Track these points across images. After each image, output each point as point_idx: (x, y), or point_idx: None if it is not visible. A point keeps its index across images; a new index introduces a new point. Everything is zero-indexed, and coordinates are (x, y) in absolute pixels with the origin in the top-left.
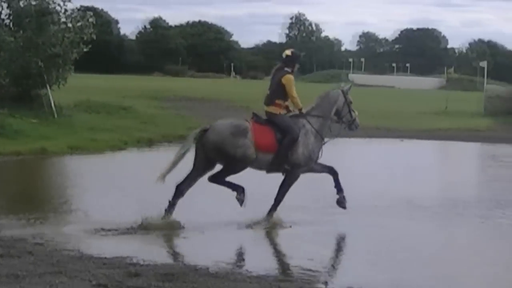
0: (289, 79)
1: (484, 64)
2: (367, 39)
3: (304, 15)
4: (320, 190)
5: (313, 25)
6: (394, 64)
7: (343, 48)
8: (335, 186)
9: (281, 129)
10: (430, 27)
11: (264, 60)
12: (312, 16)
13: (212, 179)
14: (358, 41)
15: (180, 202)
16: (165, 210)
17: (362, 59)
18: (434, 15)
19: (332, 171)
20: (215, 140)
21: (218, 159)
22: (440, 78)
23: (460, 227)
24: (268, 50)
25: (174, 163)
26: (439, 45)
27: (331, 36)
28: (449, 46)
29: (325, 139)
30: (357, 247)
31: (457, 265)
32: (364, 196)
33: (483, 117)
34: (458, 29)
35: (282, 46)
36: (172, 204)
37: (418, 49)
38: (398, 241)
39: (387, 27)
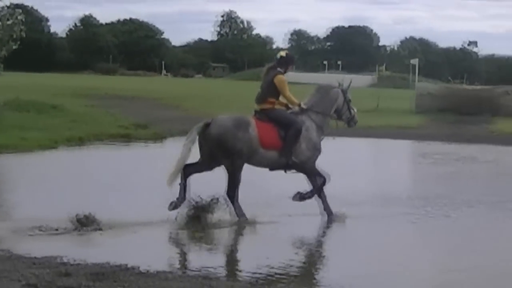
0: (280, 79)
1: (415, 61)
2: (299, 37)
3: (235, 12)
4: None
5: (245, 23)
6: (325, 62)
7: (274, 46)
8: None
9: (283, 124)
10: (362, 24)
11: (195, 58)
12: (244, 13)
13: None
14: (290, 39)
15: (114, 201)
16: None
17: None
18: (366, 13)
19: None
20: (217, 133)
21: (219, 153)
22: (372, 75)
23: (389, 224)
24: (199, 48)
25: (182, 161)
26: (371, 43)
27: (263, 34)
28: (381, 43)
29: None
30: (289, 246)
31: (379, 264)
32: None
33: (414, 115)
34: (390, 27)
35: (213, 44)
36: (183, 186)
37: (350, 47)
38: (328, 239)
39: (319, 25)
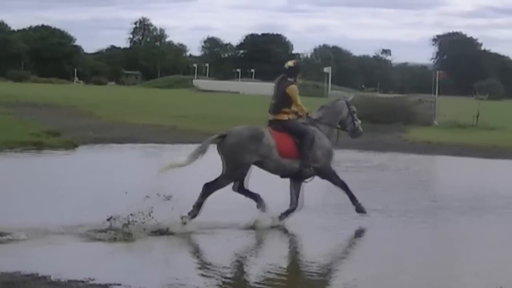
0: (293, 89)
1: (328, 69)
2: (212, 45)
3: (149, 20)
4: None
5: (158, 30)
6: (238, 70)
7: (188, 54)
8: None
9: (297, 134)
10: (275, 32)
11: (107, 65)
12: (158, 21)
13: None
14: (203, 47)
15: (24, 210)
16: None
17: (207, 65)
18: (279, 21)
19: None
20: (233, 143)
21: (228, 160)
22: None
23: (300, 231)
24: (112, 55)
25: (181, 162)
26: (284, 51)
27: (177, 41)
28: (294, 51)
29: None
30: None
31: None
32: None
33: None
34: (304, 35)
35: (126, 51)
36: (198, 204)
37: (264, 55)
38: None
39: (233, 33)
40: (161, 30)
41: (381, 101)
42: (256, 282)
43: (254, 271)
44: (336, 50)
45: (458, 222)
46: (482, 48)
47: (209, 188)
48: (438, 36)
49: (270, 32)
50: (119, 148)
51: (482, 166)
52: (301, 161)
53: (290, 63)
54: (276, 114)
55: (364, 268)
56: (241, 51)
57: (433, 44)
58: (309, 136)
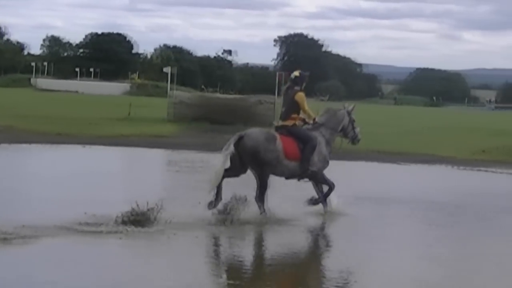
0: (301, 96)
1: (168, 69)
2: (53, 43)
3: None
4: None
5: None
6: (78, 69)
7: (27, 52)
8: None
9: (301, 139)
10: (118, 31)
11: None
12: None
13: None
14: (43, 45)
15: None
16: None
17: (45, 63)
18: (122, 20)
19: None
20: (252, 145)
21: (253, 162)
22: (126, 83)
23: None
24: None
25: (221, 169)
26: (126, 50)
27: (17, 39)
28: (137, 51)
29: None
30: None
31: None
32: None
33: (168, 123)
34: (147, 34)
35: None
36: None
37: (106, 54)
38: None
39: (75, 31)
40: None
41: (221, 101)
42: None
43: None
44: (177, 50)
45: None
46: (326, 49)
47: (261, 197)
48: (281, 37)
49: (113, 31)
50: None
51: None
52: (301, 163)
53: (296, 73)
54: (285, 120)
55: None
56: (83, 50)
57: (276, 45)
58: (312, 142)
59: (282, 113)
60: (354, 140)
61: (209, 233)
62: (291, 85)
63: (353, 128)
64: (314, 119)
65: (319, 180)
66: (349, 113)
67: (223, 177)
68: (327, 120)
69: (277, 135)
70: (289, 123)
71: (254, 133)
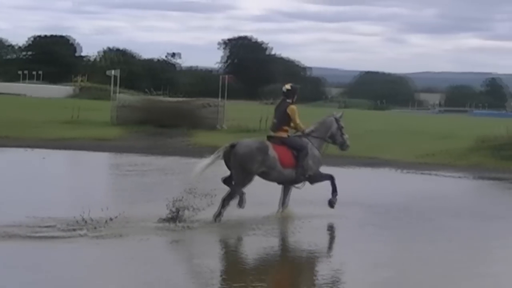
0: (293, 109)
1: (115, 72)
2: None
3: None
4: None
5: None
6: (22, 72)
7: None
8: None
9: (295, 148)
10: (62, 34)
11: None
12: None
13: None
14: None
15: None
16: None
17: None
18: (68, 22)
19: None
20: (244, 153)
21: (238, 168)
22: (72, 86)
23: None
24: None
25: (205, 167)
26: (72, 53)
27: None
28: (83, 53)
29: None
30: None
31: None
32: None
33: (113, 127)
34: (92, 37)
35: None
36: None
37: (51, 57)
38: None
39: (19, 34)
40: None
41: (166, 104)
42: None
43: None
44: (122, 53)
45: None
46: (271, 52)
47: (227, 200)
48: (225, 40)
49: (57, 33)
50: None
51: None
52: (297, 170)
53: (287, 86)
54: (276, 132)
55: None
56: (26, 53)
57: (221, 48)
58: (305, 151)
59: (274, 125)
60: (342, 146)
61: (163, 235)
62: (283, 99)
63: (342, 134)
64: (303, 131)
65: (317, 180)
66: (337, 120)
67: (230, 183)
68: (316, 128)
69: (270, 145)
70: (280, 134)
71: (246, 142)
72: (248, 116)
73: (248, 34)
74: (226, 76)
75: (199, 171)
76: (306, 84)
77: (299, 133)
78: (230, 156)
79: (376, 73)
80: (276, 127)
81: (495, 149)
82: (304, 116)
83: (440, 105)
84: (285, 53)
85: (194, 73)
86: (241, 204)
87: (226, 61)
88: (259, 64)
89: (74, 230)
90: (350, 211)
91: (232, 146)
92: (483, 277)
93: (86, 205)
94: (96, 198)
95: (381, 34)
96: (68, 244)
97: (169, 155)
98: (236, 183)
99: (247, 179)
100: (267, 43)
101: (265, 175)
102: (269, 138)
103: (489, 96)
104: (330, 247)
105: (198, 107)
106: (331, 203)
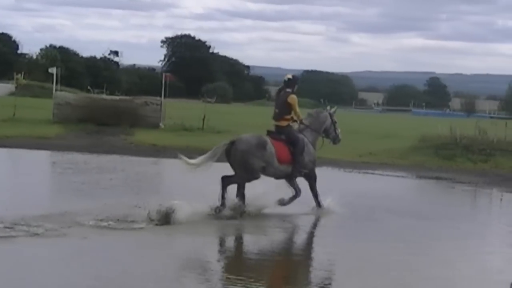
0: (293, 98)
1: (53, 70)
2: None
3: None
4: None
5: None
6: None
7: None
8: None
9: (291, 141)
10: (3, 31)
11: None
12: None
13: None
14: None
15: None
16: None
17: None
18: (7, 20)
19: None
20: (243, 149)
21: (239, 164)
22: (11, 83)
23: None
24: None
25: (204, 160)
26: (12, 50)
27: None
28: (22, 51)
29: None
30: None
31: None
32: None
33: (53, 125)
34: (32, 34)
35: None
36: (223, 196)
37: None
38: None
39: None
40: None
41: (107, 103)
42: None
43: None
44: (63, 51)
45: None
46: (213, 50)
47: (226, 180)
48: (168, 38)
49: None
50: None
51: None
52: (294, 167)
53: (289, 76)
54: (278, 121)
55: None
56: None
57: (163, 46)
58: (301, 144)
59: (275, 114)
60: (335, 140)
61: (103, 235)
62: (283, 87)
63: (335, 129)
64: (301, 120)
65: (311, 179)
66: (331, 115)
67: (226, 184)
68: (311, 123)
69: (268, 140)
70: (282, 123)
71: (246, 138)
72: (187, 114)
73: (190, 32)
74: (167, 75)
75: (197, 162)
76: (248, 83)
77: (295, 128)
78: (231, 153)
79: (319, 72)
80: (278, 116)
81: (436, 148)
82: (246, 114)
83: (383, 104)
84: (227, 52)
85: (136, 71)
86: (216, 210)
87: (168, 60)
88: (201, 62)
89: (11, 229)
90: (290, 210)
91: (232, 143)
92: (434, 280)
93: (24, 204)
94: (34, 197)
95: (323, 33)
96: (4, 245)
97: (109, 154)
98: (238, 175)
99: (250, 175)
100: (209, 42)
101: (262, 170)
102: (268, 132)
103: (432, 95)
104: (273, 245)
105: (139, 106)
106: (283, 202)
